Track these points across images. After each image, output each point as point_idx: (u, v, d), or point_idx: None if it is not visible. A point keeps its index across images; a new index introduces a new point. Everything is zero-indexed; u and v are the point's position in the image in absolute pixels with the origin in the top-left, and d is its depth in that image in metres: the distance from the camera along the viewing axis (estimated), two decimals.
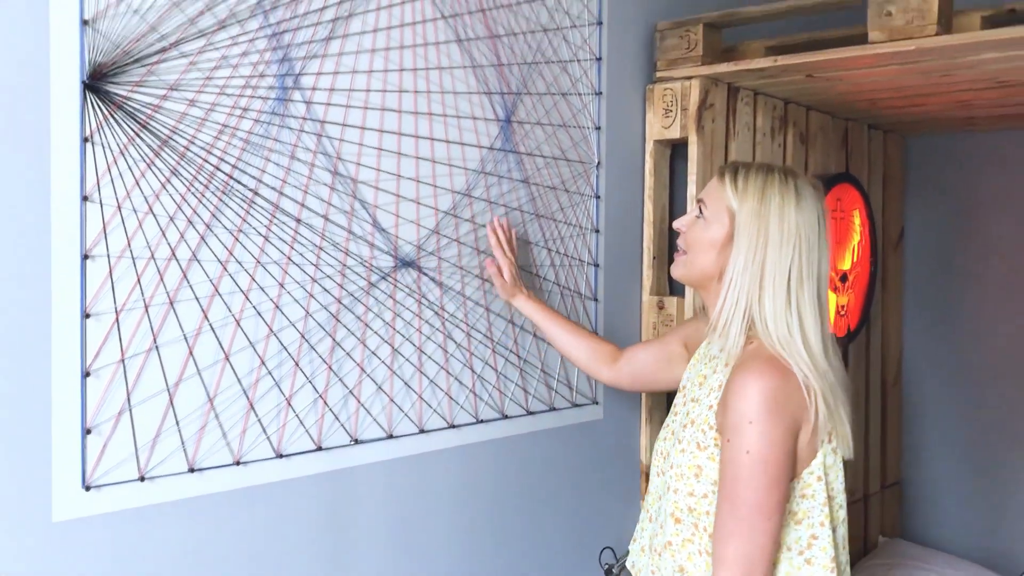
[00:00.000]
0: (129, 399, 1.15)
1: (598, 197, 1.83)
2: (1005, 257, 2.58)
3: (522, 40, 1.66)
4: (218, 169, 1.24)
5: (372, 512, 1.45)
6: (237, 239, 1.26)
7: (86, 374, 1.11)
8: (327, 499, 1.39)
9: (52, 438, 1.09)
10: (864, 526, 2.61)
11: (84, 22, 1.09)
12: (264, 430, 1.30)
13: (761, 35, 2.04)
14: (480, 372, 1.60)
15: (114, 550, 1.15)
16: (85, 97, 1.10)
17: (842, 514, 1.31)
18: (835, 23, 1.97)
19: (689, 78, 1.86)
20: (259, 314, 1.29)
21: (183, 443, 1.21)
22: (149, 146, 1.16)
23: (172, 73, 1.18)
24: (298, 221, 1.33)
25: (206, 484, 1.24)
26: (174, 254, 1.19)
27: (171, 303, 1.19)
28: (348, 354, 1.40)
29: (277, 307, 1.31)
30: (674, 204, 2.00)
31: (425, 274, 1.51)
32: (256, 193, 1.28)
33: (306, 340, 1.34)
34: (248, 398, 1.28)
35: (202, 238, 1.22)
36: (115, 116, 1.13)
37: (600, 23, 1.82)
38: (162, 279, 1.18)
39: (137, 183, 1.15)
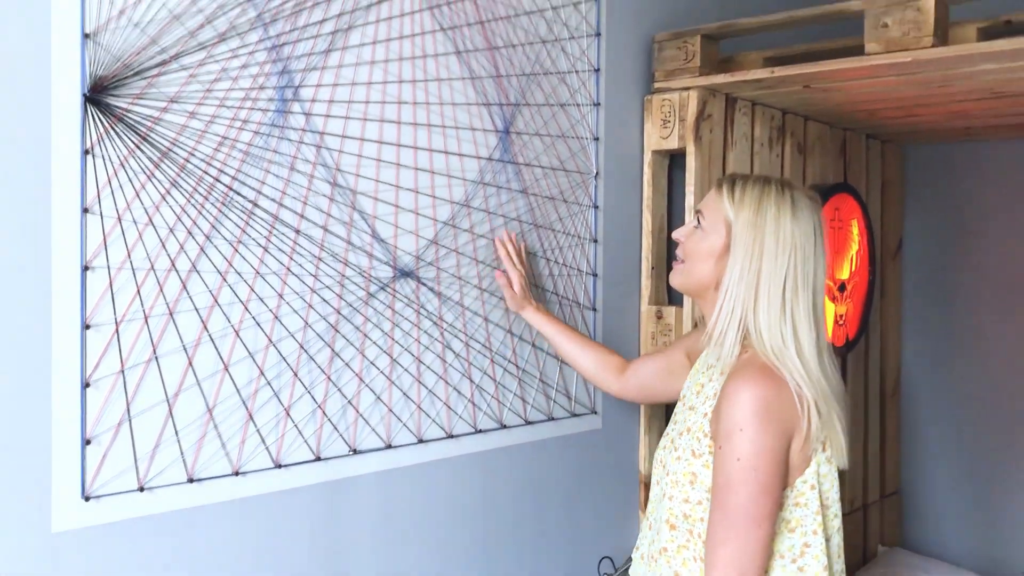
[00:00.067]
0: (129, 409, 1.16)
1: (597, 207, 1.84)
2: (1004, 265, 2.59)
3: (521, 52, 1.67)
4: (218, 181, 1.24)
5: (371, 522, 1.45)
6: (236, 250, 1.27)
7: (86, 385, 1.12)
8: (326, 509, 1.39)
9: (52, 448, 1.09)
10: (864, 535, 2.61)
11: (85, 35, 1.10)
12: (263, 440, 1.30)
13: (758, 46, 2.05)
14: (478, 382, 1.61)
15: (113, 560, 1.16)
16: (86, 110, 1.11)
17: (837, 523, 1.31)
18: (833, 34, 1.98)
19: (687, 89, 1.87)
20: (258, 324, 1.29)
21: (182, 453, 1.21)
22: (149, 158, 1.17)
23: (172, 86, 1.19)
24: (297, 232, 1.34)
25: (205, 494, 1.24)
26: (174, 265, 1.20)
27: (171, 314, 1.20)
28: (347, 364, 1.40)
29: (276, 317, 1.31)
30: (672, 214, 2.01)
31: (424, 284, 1.51)
32: (255, 204, 1.29)
33: (305, 350, 1.35)
34: (247, 408, 1.28)
35: (202, 249, 1.23)
36: (116, 128, 1.14)
37: (598, 34, 1.83)
38: (162, 290, 1.19)
39: (137, 195, 1.16)
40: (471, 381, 1.60)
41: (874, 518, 2.66)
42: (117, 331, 1.14)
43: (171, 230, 1.20)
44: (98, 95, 1.12)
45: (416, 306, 1.50)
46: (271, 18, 1.29)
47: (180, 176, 1.20)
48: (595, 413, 1.86)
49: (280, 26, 1.31)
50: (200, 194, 1.23)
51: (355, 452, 1.42)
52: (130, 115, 1.15)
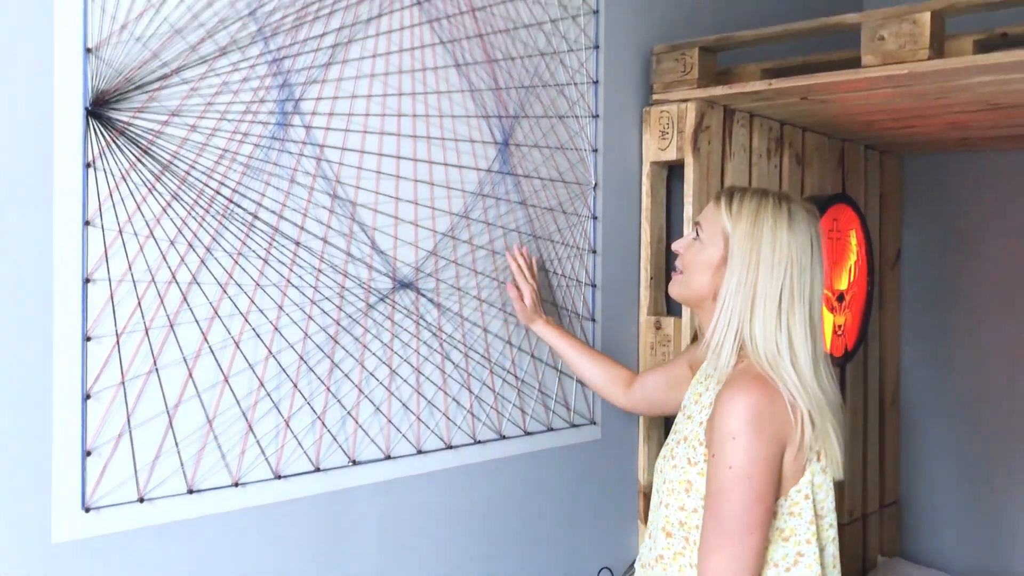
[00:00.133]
0: (129, 421, 1.16)
1: (595, 218, 1.85)
2: (1002, 275, 2.60)
3: (520, 64, 1.68)
4: (218, 193, 1.25)
5: (370, 533, 1.46)
6: (237, 262, 1.28)
7: (87, 396, 1.12)
8: (325, 520, 1.39)
9: (52, 459, 1.10)
10: (863, 545, 2.61)
11: (87, 50, 1.11)
12: (263, 451, 1.31)
13: (756, 58, 2.06)
14: (478, 393, 1.61)
15: (113, 571, 1.16)
16: (88, 123, 1.12)
17: (832, 533, 1.32)
18: (830, 46, 1.99)
19: (685, 100, 1.88)
20: (258, 336, 1.30)
21: (182, 464, 1.22)
22: (150, 171, 1.18)
23: (173, 99, 1.20)
24: (297, 244, 1.35)
25: (205, 505, 1.24)
26: (174, 277, 1.21)
27: (171, 326, 1.20)
28: (346, 375, 1.41)
29: (276, 329, 1.32)
30: (671, 225, 2.02)
31: (423, 295, 1.52)
32: (256, 216, 1.30)
33: (304, 362, 1.36)
34: (247, 419, 1.29)
35: (202, 261, 1.24)
36: (117, 142, 1.15)
37: (597, 47, 1.84)
38: (162, 302, 1.19)
39: (138, 207, 1.17)
40: (470, 392, 1.60)
41: (873, 528, 2.66)
42: (118, 343, 1.15)
43: (172, 242, 1.20)
44: (100, 109, 1.13)
45: (415, 317, 1.51)
46: (272, 32, 1.30)
47: (181, 189, 1.21)
48: (594, 424, 1.86)
49: (281, 40, 1.32)
50: (201, 207, 1.23)
51: (354, 463, 1.43)
52: (131, 128, 1.16)
